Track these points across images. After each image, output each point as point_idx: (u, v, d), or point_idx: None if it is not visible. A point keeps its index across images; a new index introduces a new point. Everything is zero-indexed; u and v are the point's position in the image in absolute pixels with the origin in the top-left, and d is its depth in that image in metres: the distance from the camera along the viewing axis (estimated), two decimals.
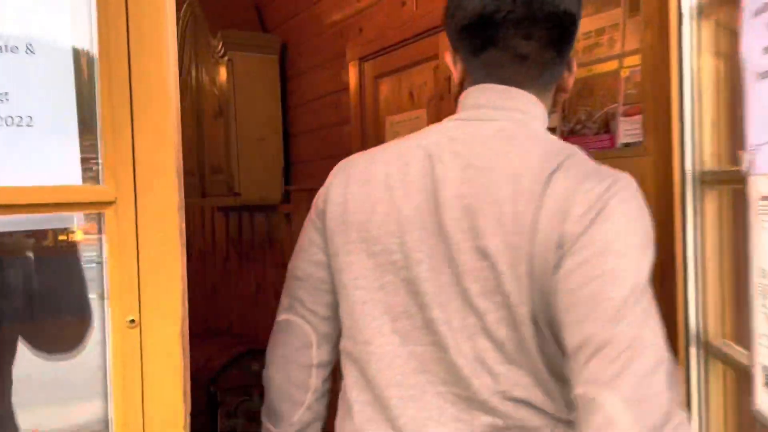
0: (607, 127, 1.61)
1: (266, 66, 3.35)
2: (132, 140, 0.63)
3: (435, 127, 0.98)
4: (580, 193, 0.83)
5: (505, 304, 0.84)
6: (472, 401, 0.88)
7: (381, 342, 0.92)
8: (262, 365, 1.08)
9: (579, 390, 0.77)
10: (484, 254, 0.85)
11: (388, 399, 0.91)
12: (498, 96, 0.94)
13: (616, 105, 1.58)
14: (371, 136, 2.65)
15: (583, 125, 1.67)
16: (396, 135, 2.50)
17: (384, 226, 0.91)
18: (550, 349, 0.85)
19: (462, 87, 0.99)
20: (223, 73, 3.38)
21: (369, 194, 0.94)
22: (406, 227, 0.90)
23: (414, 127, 2.44)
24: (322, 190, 1.01)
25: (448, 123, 0.96)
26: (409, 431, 0.90)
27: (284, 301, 1.06)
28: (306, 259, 1.02)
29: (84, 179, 0.66)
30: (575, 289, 0.79)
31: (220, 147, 3.46)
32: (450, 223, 0.87)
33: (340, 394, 1.00)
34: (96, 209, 0.64)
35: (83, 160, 0.66)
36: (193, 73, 3.80)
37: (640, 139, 1.48)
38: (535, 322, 0.84)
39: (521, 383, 0.86)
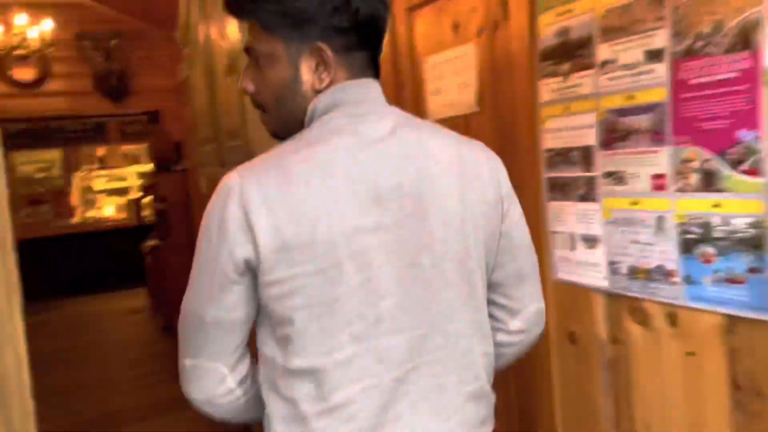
0: (746, 41, 1.15)
1: None
2: None
3: (326, 130, 0.99)
4: (492, 161, 1.09)
5: (455, 264, 1.02)
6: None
7: (344, 351, 0.95)
8: None
9: (540, 304, 1.18)
10: (432, 230, 0.99)
11: (348, 405, 0.96)
12: (377, 90, 1.04)
13: (758, 9, 1.13)
14: (407, 81, 2.21)
15: (706, 42, 1.21)
16: (439, 78, 2.06)
17: (330, 241, 0.92)
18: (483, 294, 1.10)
19: (322, 80, 1.02)
20: (232, 24, 2.96)
21: (304, 214, 0.92)
22: (356, 235, 0.93)
23: (461, 67, 2.00)
24: (228, 221, 0.93)
25: (339, 121, 0.99)
26: None
27: (189, 343, 1.02)
28: (221, 306, 0.97)
29: None
30: (517, 236, 1.12)
31: (235, 108, 3.05)
32: (397, 216, 0.96)
33: (289, 409, 0.98)
34: None
35: None
36: (201, 30, 3.39)
37: None
38: (481, 270, 1.07)
39: (468, 334, 1.04)
